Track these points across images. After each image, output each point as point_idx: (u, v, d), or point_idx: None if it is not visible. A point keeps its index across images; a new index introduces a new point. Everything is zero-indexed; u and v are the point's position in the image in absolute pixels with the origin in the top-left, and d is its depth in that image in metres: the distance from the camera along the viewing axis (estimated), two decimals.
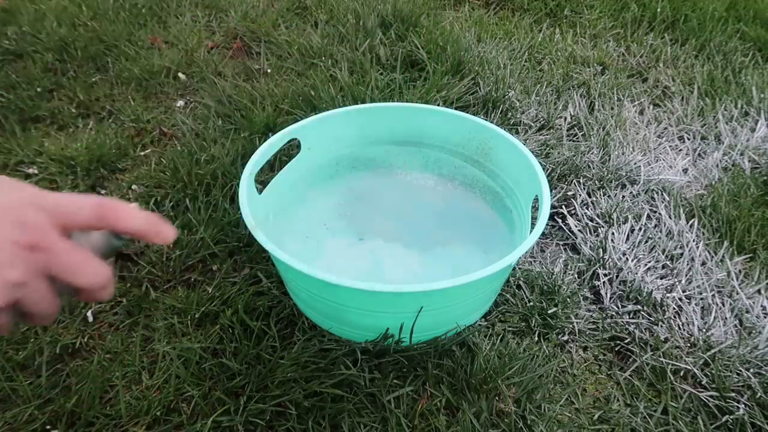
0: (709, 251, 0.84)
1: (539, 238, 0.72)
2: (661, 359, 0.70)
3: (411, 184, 0.89)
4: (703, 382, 0.68)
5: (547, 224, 0.77)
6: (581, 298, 0.77)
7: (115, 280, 0.76)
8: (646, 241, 0.85)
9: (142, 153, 0.99)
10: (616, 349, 0.72)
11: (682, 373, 0.69)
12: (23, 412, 0.60)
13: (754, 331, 0.73)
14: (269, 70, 1.21)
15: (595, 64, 1.28)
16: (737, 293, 0.77)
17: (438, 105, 1.02)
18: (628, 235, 0.85)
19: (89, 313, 0.71)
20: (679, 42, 1.40)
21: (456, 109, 0.95)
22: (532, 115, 1.09)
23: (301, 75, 1.18)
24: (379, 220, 0.83)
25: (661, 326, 0.73)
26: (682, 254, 0.83)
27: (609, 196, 0.93)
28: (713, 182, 0.98)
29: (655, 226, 0.88)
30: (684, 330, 0.73)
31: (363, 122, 0.85)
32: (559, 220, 0.90)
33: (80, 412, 0.60)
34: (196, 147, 0.96)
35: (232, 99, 1.10)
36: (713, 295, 0.77)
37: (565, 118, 1.09)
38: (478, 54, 1.23)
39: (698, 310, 0.75)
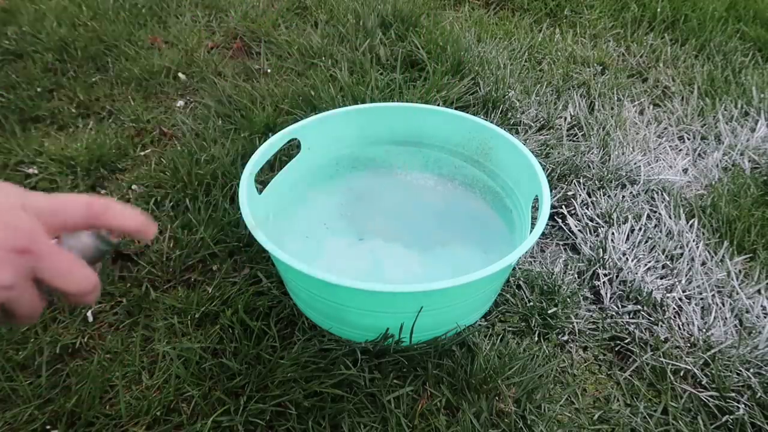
0: (709, 251, 0.84)
1: (539, 238, 0.72)
2: (661, 359, 0.70)
3: (411, 184, 0.89)
4: (703, 382, 0.68)
5: (547, 224, 0.77)
6: (581, 298, 0.77)
7: (115, 280, 0.76)
8: (646, 241, 0.85)
9: (142, 153, 0.99)
10: (616, 349, 0.72)
11: (682, 373, 0.69)
12: (23, 412, 0.60)
13: (754, 331, 0.73)
14: (269, 70, 1.21)
15: (595, 64, 1.28)
16: (737, 293, 0.77)
17: (438, 105, 1.02)
18: (628, 235, 0.85)
19: (89, 313, 0.71)
20: (679, 42, 1.40)
21: (456, 109, 0.95)
22: (532, 115, 1.09)
23: (301, 75, 1.18)
24: (379, 220, 0.83)
25: (661, 326, 0.73)
26: (682, 254, 0.83)
27: (609, 196, 0.93)
28: (713, 182, 0.98)
29: (655, 226, 0.88)
30: (684, 330, 0.73)
31: (363, 122, 0.85)
32: (559, 220, 0.90)
33: (80, 412, 0.60)
34: (196, 147, 0.96)
35: (232, 99, 1.10)
36: (713, 295, 0.77)
37: (565, 118, 1.09)
38: (478, 54, 1.23)
39: (698, 310, 0.75)
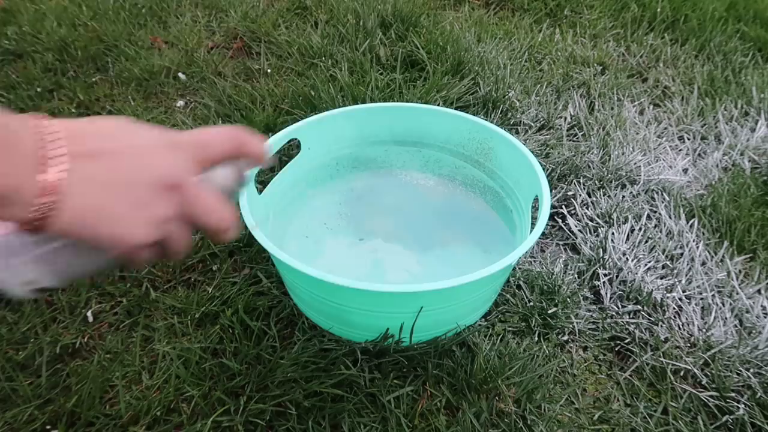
0: (709, 251, 0.84)
1: (539, 238, 0.72)
2: (661, 359, 0.70)
3: (411, 184, 0.89)
4: (703, 382, 0.68)
5: (547, 224, 0.77)
6: (581, 298, 0.77)
7: (115, 280, 0.76)
8: (646, 241, 0.85)
9: None
10: (616, 349, 0.72)
11: (682, 373, 0.69)
12: (23, 412, 0.60)
13: (754, 331, 0.73)
14: (269, 70, 1.21)
15: (595, 64, 1.28)
16: (737, 293, 0.77)
17: (438, 105, 1.02)
18: (628, 235, 0.85)
19: (89, 313, 0.71)
20: (679, 42, 1.40)
21: (456, 109, 0.95)
22: (532, 115, 1.09)
23: (301, 75, 1.18)
24: (379, 220, 0.83)
25: (661, 326, 0.73)
26: (682, 254, 0.83)
27: (609, 196, 0.93)
28: (713, 182, 0.98)
29: (655, 226, 0.88)
30: (684, 330, 0.73)
31: (363, 122, 0.85)
32: (559, 220, 0.90)
33: (80, 412, 0.61)
34: None
35: (232, 99, 1.10)
36: (713, 295, 0.77)
37: (565, 118, 1.09)
38: (478, 54, 1.23)
39: (698, 310, 0.75)
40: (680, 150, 1.06)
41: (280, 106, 1.06)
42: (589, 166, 0.98)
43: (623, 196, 0.93)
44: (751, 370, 0.68)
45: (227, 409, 0.61)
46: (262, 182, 0.77)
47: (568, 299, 0.76)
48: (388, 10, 1.35)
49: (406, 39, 1.28)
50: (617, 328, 0.74)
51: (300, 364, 0.64)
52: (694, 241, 0.84)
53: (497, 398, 0.64)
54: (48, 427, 0.60)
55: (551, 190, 0.84)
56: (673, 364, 0.69)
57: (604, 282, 0.79)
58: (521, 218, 0.77)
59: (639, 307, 0.75)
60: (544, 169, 0.82)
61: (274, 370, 0.64)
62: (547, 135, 1.05)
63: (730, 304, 0.76)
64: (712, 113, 1.14)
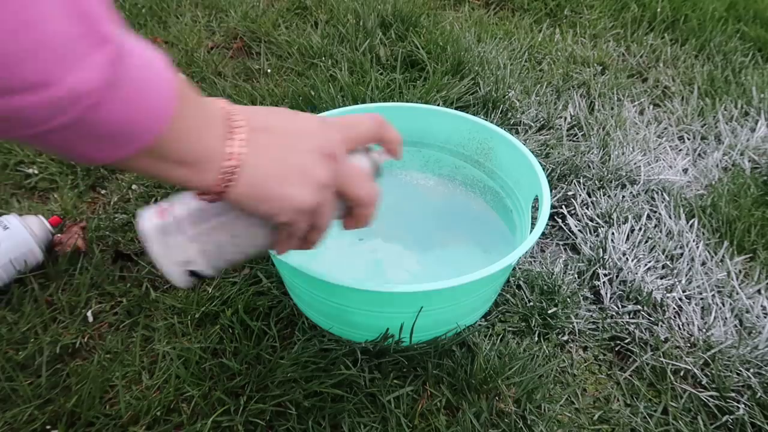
0: (709, 251, 0.84)
1: (539, 238, 0.72)
2: (661, 359, 0.70)
3: (411, 184, 0.89)
4: (703, 382, 0.68)
5: (547, 224, 0.77)
6: (581, 298, 0.77)
7: (115, 280, 0.76)
8: (646, 241, 0.85)
9: None
10: (616, 349, 0.72)
11: (682, 373, 0.69)
12: (23, 412, 0.60)
13: (754, 331, 0.73)
14: (269, 70, 1.21)
15: (595, 64, 1.28)
16: (737, 293, 0.77)
17: (438, 105, 1.02)
18: (628, 235, 0.85)
19: (89, 313, 0.71)
20: (679, 42, 1.40)
21: (456, 109, 0.95)
22: (532, 115, 1.09)
23: (301, 75, 1.18)
24: (379, 220, 0.83)
25: (661, 326, 0.73)
26: (682, 254, 0.83)
27: (609, 196, 0.93)
28: (713, 182, 0.98)
29: (655, 226, 0.88)
30: (684, 330, 0.73)
31: None
32: (559, 220, 0.90)
33: (80, 412, 0.61)
34: None
35: (232, 99, 1.10)
36: (713, 295, 0.77)
37: (565, 118, 1.09)
38: (478, 54, 1.23)
39: (698, 310, 0.75)
40: (680, 150, 1.06)
41: (280, 107, 1.06)
42: (589, 166, 0.98)
43: (623, 196, 0.93)
44: (751, 370, 0.68)
45: (227, 409, 0.61)
46: None
47: (568, 299, 0.76)
48: (388, 10, 1.35)
49: (406, 39, 1.28)
50: (617, 328, 0.74)
51: (300, 364, 0.64)
52: (694, 241, 0.84)
53: (497, 398, 0.64)
54: (48, 427, 0.60)
55: (551, 190, 0.84)
56: (673, 364, 0.69)
57: (604, 282, 0.79)
58: (521, 218, 0.77)
59: (639, 307, 0.75)
60: (544, 169, 0.82)
61: (274, 370, 0.64)
62: (547, 135, 1.05)
63: (730, 304, 0.76)
64: (712, 113, 1.15)
